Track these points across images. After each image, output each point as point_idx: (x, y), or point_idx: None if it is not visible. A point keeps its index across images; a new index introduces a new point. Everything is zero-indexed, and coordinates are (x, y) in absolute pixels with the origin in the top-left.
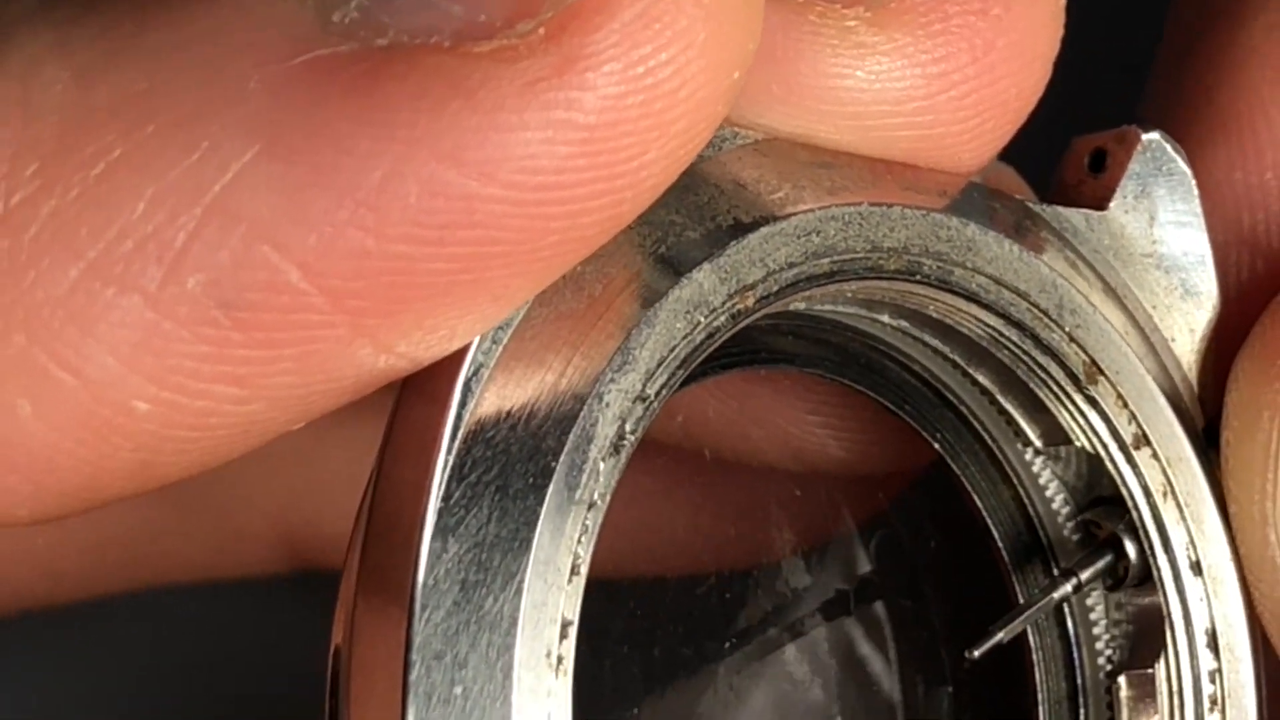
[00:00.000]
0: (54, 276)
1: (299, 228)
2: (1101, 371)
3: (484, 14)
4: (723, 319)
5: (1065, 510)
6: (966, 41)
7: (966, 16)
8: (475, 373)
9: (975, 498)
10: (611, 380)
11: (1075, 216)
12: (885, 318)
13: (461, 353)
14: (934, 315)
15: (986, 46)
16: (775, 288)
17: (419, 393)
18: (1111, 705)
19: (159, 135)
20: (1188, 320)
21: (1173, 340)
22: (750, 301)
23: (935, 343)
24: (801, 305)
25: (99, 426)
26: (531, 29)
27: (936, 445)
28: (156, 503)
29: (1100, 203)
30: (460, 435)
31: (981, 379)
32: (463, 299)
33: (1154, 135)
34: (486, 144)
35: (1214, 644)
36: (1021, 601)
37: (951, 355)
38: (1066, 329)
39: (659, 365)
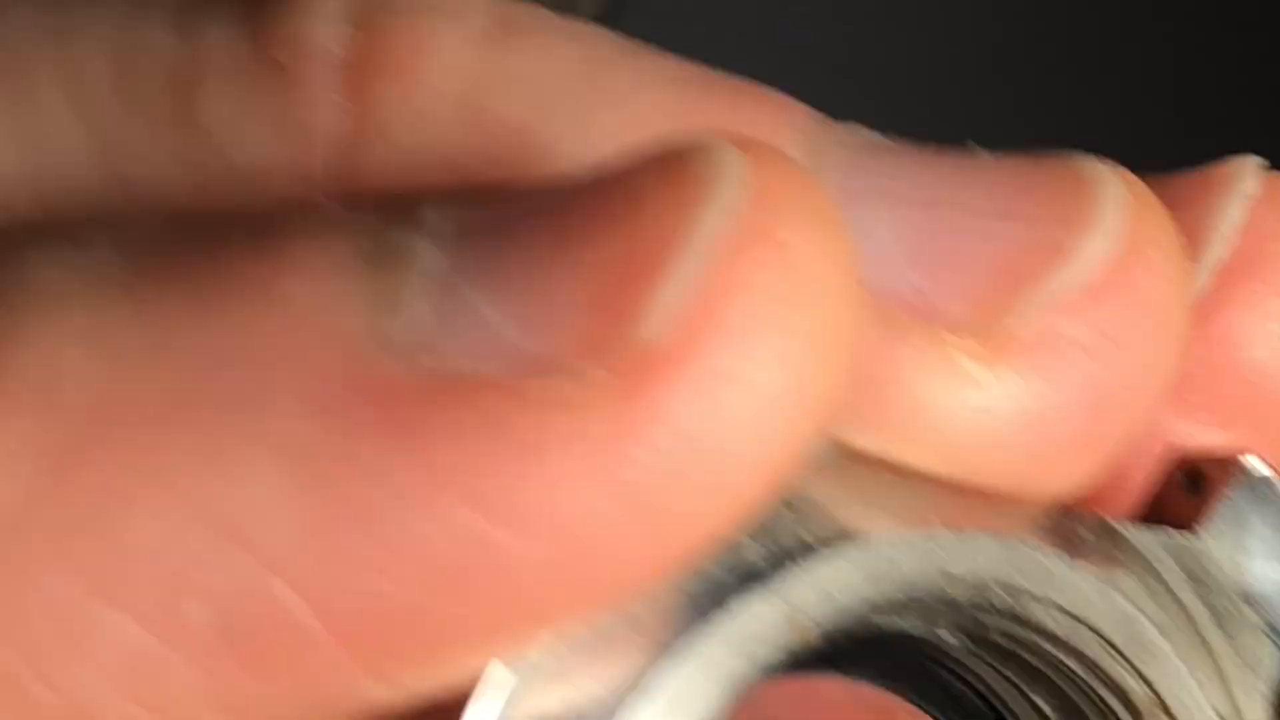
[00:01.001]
0: (51, 587)
1: (314, 562)
2: (1167, 710)
3: (544, 346)
4: (778, 653)
5: None
6: (1075, 384)
7: (1077, 355)
8: (510, 700)
9: None
10: (647, 717)
11: (1163, 539)
12: (943, 633)
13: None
14: (995, 639)
15: (1095, 388)
16: (838, 619)
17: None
18: None
19: (180, 446)
20: (1267, 656)
21: (1257, 681)
22: (811, 635)
23: (994, 661)
24: None
25: None
26: (592, 372)
27: None
28: None
29: (1192, 525)
30: None
31: (1040, 702)
32: (479, 642)
33: (1257, 465)
34: (529, 497)
35: None
36: None
37: (1010, 676)
38: (1135, 664)
39: (698, 698)
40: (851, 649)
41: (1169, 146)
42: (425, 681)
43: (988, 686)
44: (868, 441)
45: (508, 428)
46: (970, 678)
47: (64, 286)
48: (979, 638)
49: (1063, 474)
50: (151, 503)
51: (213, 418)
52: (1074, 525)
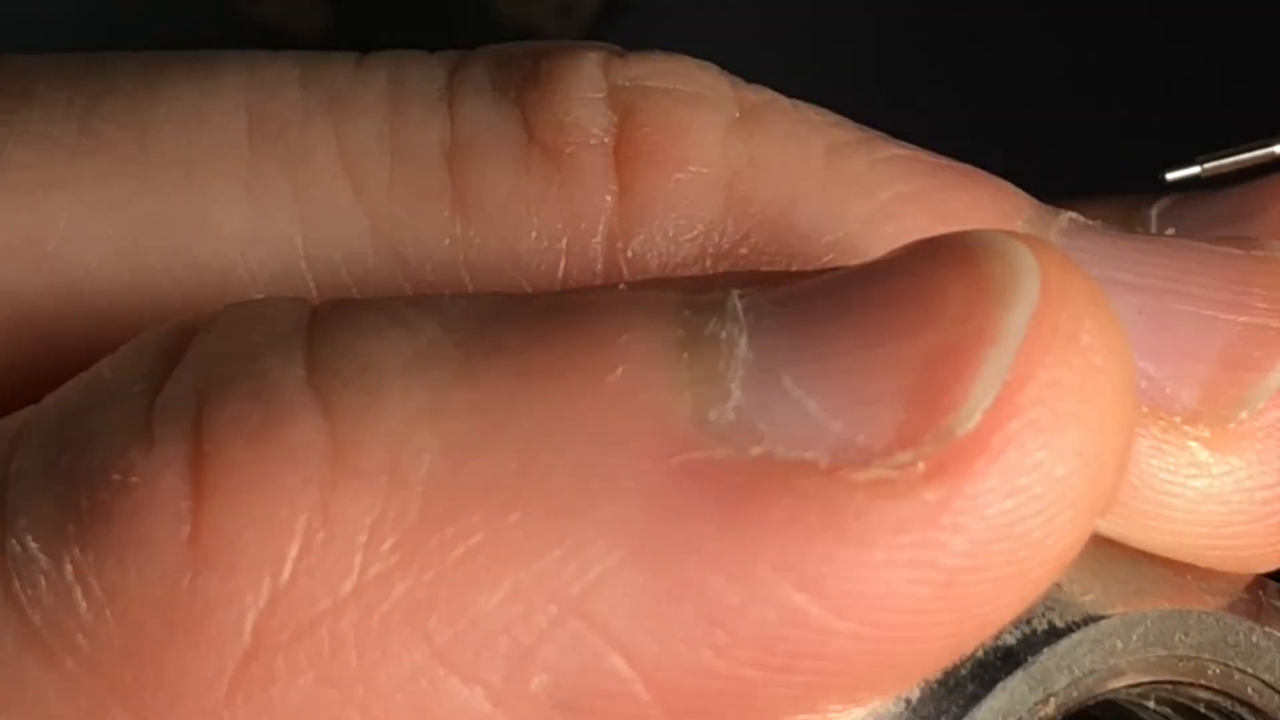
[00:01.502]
0: (399, 658)
1: (651, 641)
2: None
3: (863, 435)
4: None
5: None
6: None
7: None
8: None
9: None
10: None
11: None
12: (1150, 704)
13: None
14: (1200, 710)
15: None
16: (1076, 695)
17: None
18: None
19: (523, 524)
20: None
21: None
22: (1051, 709)
23: None
24: None
25: None
26: (910, 461)
27: None
28: None
29: None
30: None
31: None
32: (792, 716)
33: None
34: (850, 579)
35: None
36: None
37: None
38: None
39: None
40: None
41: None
42: None
43: None
44: (1106, 525)
45: (836, 516)
46: None
47: (404, 370)
48: (1185, 709)
49: (1273, 557)
50: (499, 578)
51: (553, 497)
52: (1265, 596)
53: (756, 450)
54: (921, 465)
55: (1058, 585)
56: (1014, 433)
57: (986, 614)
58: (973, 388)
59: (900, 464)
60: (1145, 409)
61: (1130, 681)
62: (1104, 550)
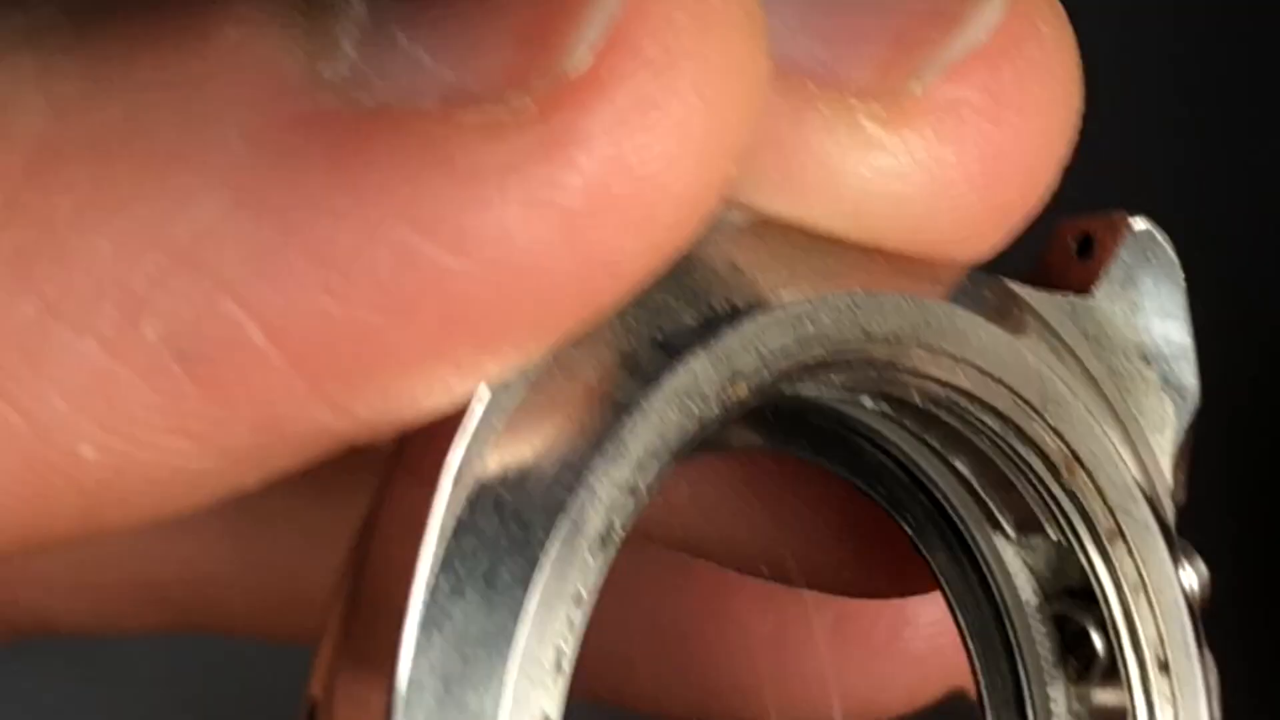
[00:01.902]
0: (9, 312)
1: (265, 286)
2: (1081, 463)
3: (473, 80)
4: (715, 409)
5: (1034, 601)
6: (977, 149)
7: (980, 123)
8: (466, 460)
9: (942, 583)
10: (603, 472)
11: (1060, 302)
12: (867, 401)
13: (450, 434)
14: (916, 402)
15: (996, 155)
16: (768, 376)
17: (408, 471)
18: None
19: (130, 175)
20: (1165, 411)
21: (1157, 435)
22: (743, 391)
23: (914, 427)
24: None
25: (43, 469)
26: (521, 103)
27: (906, 529)
28: None
29: (1085, 288)
30: (451, 525)
31: (959, 465)
32: (427, 371)
33: (1144, 224)
34: (463, 218)
35: None
36: (984, 688)
37: (930, 441)
38: (1049, 420)
39: (650, 456)
40: (779, 425)
41: None
42: (372, 409)
43: (906, 455)
44: (782, 207)
45: (443, 155)
46: (890, 447)
47: (15, 42)
48: (899, 401)
49: (968, 238)
50: (105, 228)
51: (159, 147)
52: (978, 289)
53: (369, 102)
54: (533, 104)
55: (738, 269)
56: (627, 70)
57: (616, 259)
58: (581, 27)
59: (512, 106)
60: (814, 88)
61: (826, 361)
62: (790, 237)
